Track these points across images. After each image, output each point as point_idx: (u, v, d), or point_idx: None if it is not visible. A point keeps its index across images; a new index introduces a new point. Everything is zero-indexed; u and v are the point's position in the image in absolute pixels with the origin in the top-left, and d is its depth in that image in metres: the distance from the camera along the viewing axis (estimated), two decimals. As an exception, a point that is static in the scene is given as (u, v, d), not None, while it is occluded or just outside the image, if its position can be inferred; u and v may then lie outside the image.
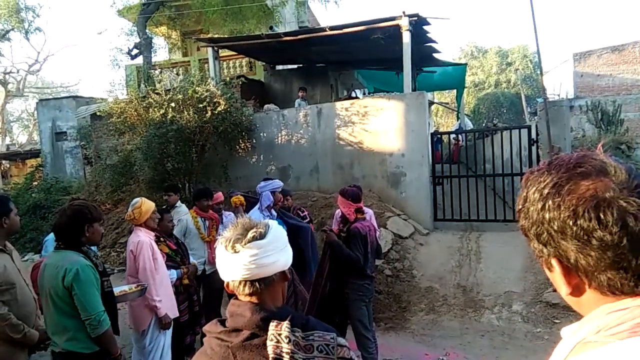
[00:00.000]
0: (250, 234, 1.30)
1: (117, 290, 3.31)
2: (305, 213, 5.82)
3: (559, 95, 20.46)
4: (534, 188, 0.82)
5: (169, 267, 4.15)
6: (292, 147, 9.13)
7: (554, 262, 0.81)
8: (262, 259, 1.29)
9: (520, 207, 0.86)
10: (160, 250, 4.06)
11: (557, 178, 0.80)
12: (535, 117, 12.10)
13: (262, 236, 1.31)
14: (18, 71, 26.59)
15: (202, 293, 5.18)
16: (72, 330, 2.68)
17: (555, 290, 5.72)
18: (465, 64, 15.70)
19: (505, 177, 8.76)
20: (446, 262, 7.07)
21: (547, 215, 0.79)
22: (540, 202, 0.80)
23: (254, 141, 9.27)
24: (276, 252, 1.33)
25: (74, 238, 2.76)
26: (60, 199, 10.91)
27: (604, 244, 0.74)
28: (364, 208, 6.08)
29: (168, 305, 3.87)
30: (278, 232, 1.37)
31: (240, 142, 9.03)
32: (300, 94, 11.31)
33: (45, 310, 2.80)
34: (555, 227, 0.78)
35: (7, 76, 25.80)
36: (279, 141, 9.24)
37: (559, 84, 44.03)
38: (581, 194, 0.76)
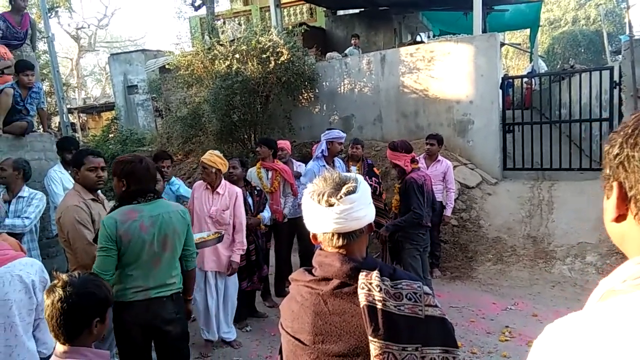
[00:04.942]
0: (344, 189, 1.34)
1: (196, 237, 3.46)
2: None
3: (646, 31, 18.56)
4: None
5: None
6: (355, 96, 9.01)
7: None
8: (354, 212, 1.33)
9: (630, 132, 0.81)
10: None
11: None
12: (618, 57, 11.10)
13: (354, 190, 1.35)
14: (89, 26, 27.72)
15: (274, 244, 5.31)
16: (177, 270, 2.90)
17: None
18: (541, 0, 14.50)
19: (583, 123, 8.22)
20: (515, 212, 6.88)
21: None
22: None
23: (317, 91, 9.21)
24: (365, 207, 1.37)
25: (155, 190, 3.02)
26: (135, 150, 11.54)
27: None
28: (441, 158, 5.99)
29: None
30: (366, 187, 1.40)
31: (303, 92, 9.02)
32: (353, 41, 10.97)
33: (161, 255, 2.75)
34: None
35: (79, 32, 26.95)
36: (342, 90, 9.14)
37: (646, 18, 39.80)
38: None
